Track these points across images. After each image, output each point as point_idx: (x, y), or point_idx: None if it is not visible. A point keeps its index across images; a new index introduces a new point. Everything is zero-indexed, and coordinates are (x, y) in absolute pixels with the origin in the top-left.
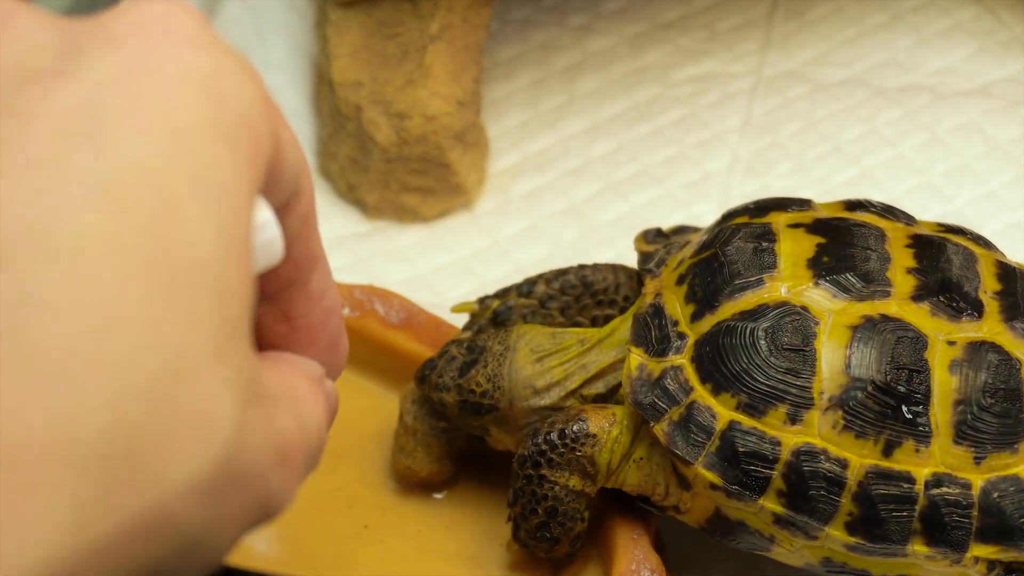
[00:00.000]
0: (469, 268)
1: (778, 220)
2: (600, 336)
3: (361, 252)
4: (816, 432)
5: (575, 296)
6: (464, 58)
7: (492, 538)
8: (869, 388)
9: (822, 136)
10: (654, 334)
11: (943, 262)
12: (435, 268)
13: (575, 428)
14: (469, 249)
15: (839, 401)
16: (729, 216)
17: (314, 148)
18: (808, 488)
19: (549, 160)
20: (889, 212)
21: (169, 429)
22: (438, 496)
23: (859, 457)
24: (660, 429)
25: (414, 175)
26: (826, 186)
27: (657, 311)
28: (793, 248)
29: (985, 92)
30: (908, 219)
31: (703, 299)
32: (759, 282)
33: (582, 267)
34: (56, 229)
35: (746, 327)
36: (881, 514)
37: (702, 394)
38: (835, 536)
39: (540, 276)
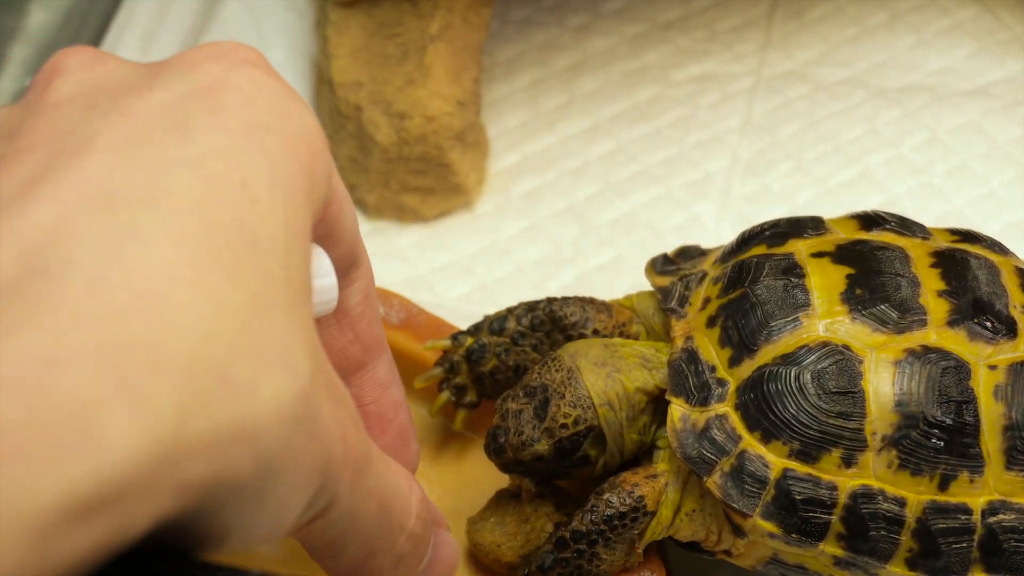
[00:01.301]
0: (469, 268)
1: (799, 248)
2: (661, 359)
3: None
4: (871, 473)
5: (545, 332)
6: (464, 58)
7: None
8: (921, 425)
9: (822, 136)
10: (692, 381)
11: (970, 280)
12: (435, 268)
13: (633, 506)
14: (469, 249)
15: (892, 440)
16: (744, 243)
17: None
18: (868, 529)
19: (549, 160)
20: (904, 227)
21: (256, 353)
22: None
23: (916, 494)
24: (713, 482)
25: (414, 175)
26: (826, 186)
27: (692, 356)
28: (823, 281)
29: (985, 92)
30: (923, 232)
31: (740, 343)
32: (795, 322)
33: (551, 301)
34: (153, 187)
35: (790, 372)
36: (941, 547)
37: (751, 443)
38: (896, 572)
39: (510, 311)
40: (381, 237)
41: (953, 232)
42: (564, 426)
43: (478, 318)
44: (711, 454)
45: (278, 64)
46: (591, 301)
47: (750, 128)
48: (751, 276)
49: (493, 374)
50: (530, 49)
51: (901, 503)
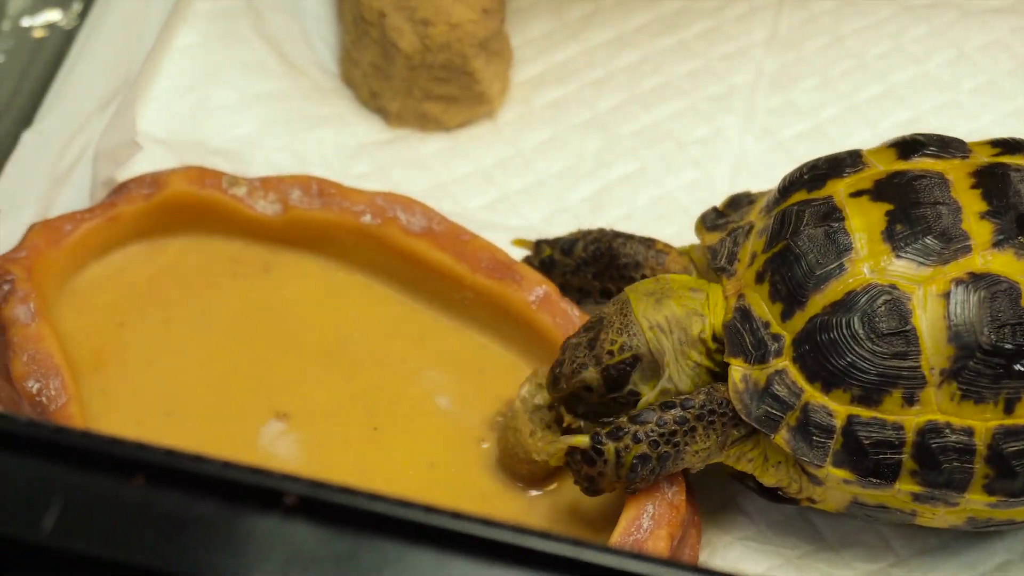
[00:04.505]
0: (491, 178)
1: (838, 189)
2: (703, 286)
3: (382, 160)
4: (935, 408)
5: (604, 265)
6: None
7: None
8: (977, 354)
9: (848, 51)
10: (748, 340)
11: (1012, 196)
12: (457, 177)
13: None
14: (491, 159)
15: (951, 373)
16: (786, 191)
17: (337, 55)
18: (940, 463)
19: (573, 71)
20: (943, 148)
21: None
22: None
23: (983, 422)
24: (781, 438)
25: (437, 83)
26: (851, 102)
27: (745, 315)
28: (864, 222)
29: (1013, 9)
30: (962, 150)
31: (788, 296)
32: (840, 268)
33: (615, 236)
34: None
35: (841, 320)
36: (1016, 468)
37: (813, 394)
38: (975, 499)
39: (583, 236)
40: (403, 145)
41: (994, 144)
42: (610, 352)
43: (499, 228)
44: (776, 410)
45: None
46: (652, 245)
47: (776, 42)
48: (792, 227)
49: (563, 288)
50: None
51: (969, 432)
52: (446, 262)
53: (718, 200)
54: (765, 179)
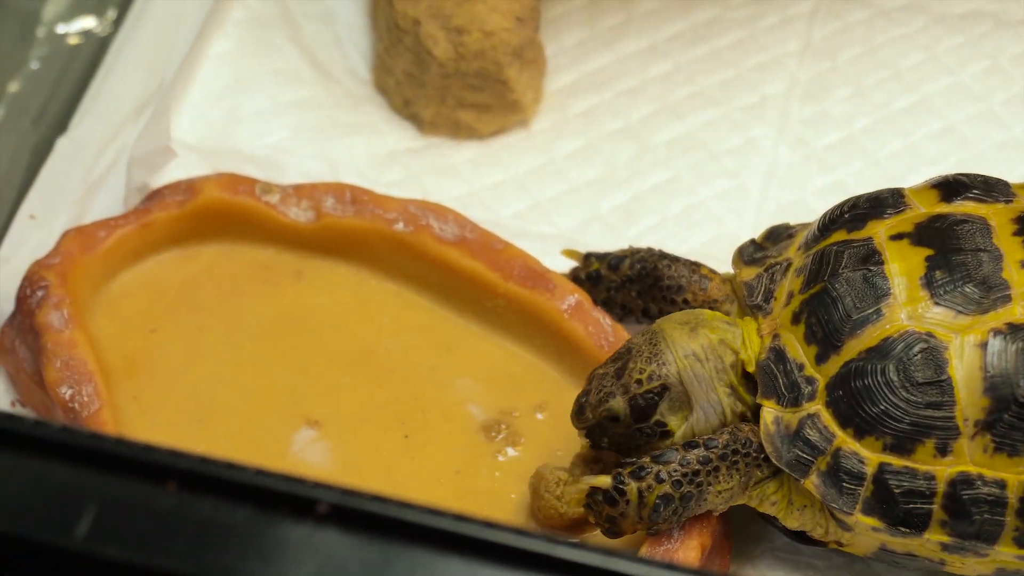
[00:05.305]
0: (523, 186)
1: (878, 231)
2: (741, 325)
3: (415, 167)
4: (968, 459)
5: (648, 284)
6: None
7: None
8: (1013, 407)
9: (881, 62)
10: (782, 382)
11: None
12: (489, 185)
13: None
14: (524, 167)
15: (985, 425)
16: (825, 229)
17: (370, 62)
18: (971, 514)
19: (606, 80)
20: (986, 192)
21: None
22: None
23: (1016, 475)
24: (811, 483)
25: (471, 91)
26: (884, 112)
27: (779, 355)
28: (903, 267)
29: None
30: (1005, 194)
31: (824, 339)
32: (877, 313)
33: (663, 256)
34: None
35: (876, 366)
36: None
37: (845, 440)
38: (1005, 552)
39: (632, 253)
40: (436, 153)
41: None
42: (639, 382)
43: (532, 236)
44: (806, 455)
45: None
46: (696, 270)
47: (809, 52)
48: (830, 268)
49: (607, 303)
50: None
51: (1001, 485)
52: (479, 270)
53: (750, 210)
54: (798, 189)
